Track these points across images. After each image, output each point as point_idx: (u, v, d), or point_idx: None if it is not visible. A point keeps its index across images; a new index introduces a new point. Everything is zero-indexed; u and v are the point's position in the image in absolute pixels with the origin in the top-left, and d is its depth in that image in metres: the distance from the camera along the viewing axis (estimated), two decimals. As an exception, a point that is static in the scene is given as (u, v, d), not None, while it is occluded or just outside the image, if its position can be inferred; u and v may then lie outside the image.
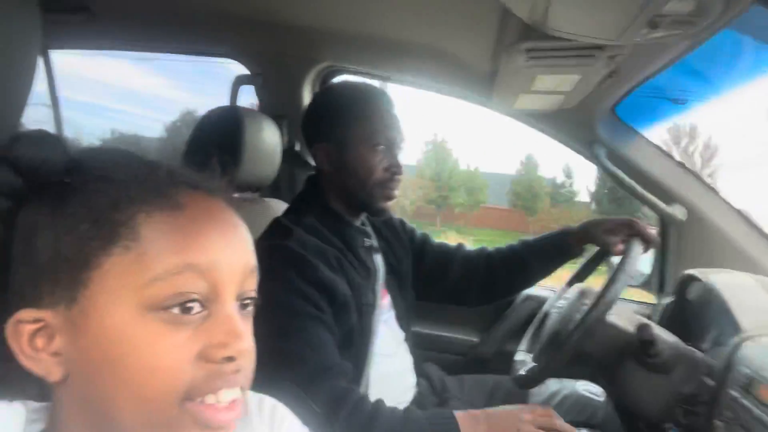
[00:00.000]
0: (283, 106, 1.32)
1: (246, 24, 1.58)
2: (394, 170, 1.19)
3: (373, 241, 1.28)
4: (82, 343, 0.41)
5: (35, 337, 0.42)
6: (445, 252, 1.47)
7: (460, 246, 1.50)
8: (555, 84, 1.21)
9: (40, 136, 0.44)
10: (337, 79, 1.78)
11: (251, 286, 0.48)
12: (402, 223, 1.45)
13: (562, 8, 0.84)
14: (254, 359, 0.47)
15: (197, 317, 0.43)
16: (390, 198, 1.21)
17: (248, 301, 0.48)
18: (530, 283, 1.48)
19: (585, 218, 1.42)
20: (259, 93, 1.76)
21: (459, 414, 1.03)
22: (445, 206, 28.67)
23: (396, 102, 1.23)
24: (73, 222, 0.41)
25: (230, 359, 0.43)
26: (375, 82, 1.71)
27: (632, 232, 1.25)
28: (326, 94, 1.27)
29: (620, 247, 1.27)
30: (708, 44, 1.02)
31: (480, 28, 1.27)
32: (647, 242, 1.24)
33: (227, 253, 0.45)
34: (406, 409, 1.05)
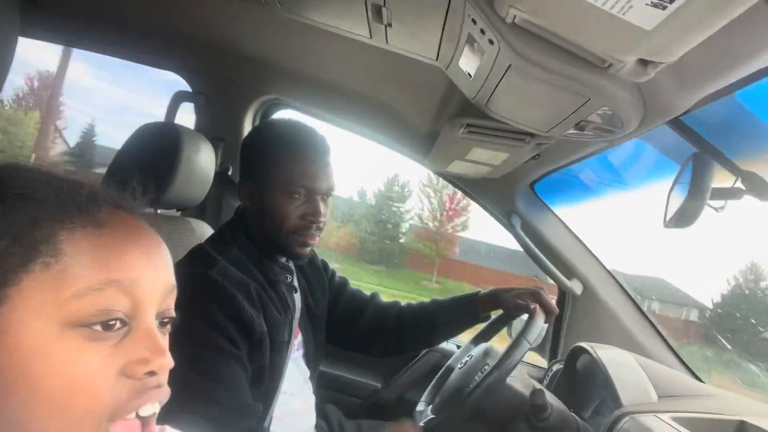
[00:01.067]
0: (222, 129, 1.30)
1: (197, 43, 1.57)
2: (310, 219, 1.16)
3: (294, 279, 1.28)
4: None
5: None
6: (359, 300, 1.47)
7: (374, 296, 1.52)
8: (486, 157, 1.31)
9: None
10: (279, 114, 1.79)
11: (171, 305, 0.49)
12: (324, 264, 1.45)
13: (503, 98, 0.93)
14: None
15: (118, 334, 0.43)
16: (306, 245, 1.18)
17: (167, 320, 0.49)
18: (436, 342, 1.52)
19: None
20: (198, 111, 1.74)
21: None
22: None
23: (329, 147, 1.21)
24: None
25: (152, 374, 0.43)
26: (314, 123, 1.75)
27: (537, 301, 1.34)
28: (255, 133, 1.24)
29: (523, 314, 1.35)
30: (625, 145, 1.16)
31: (426, 94, 1.35)
32: (549, 313, 1.33)
33: (149, 271, 0.45)
34: None
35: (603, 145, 1.13)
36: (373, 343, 1.46)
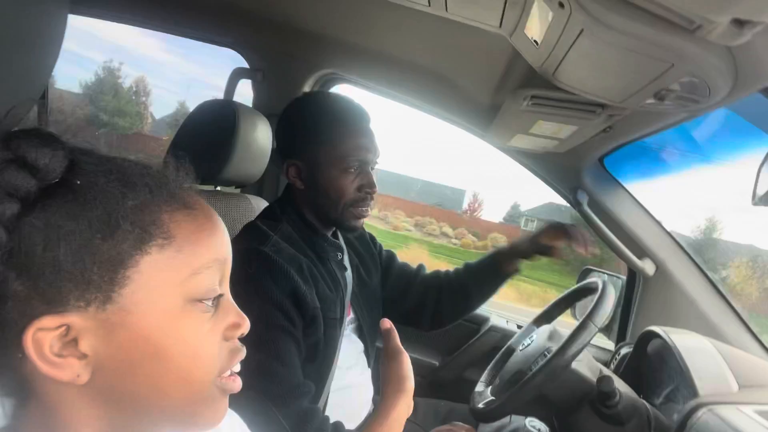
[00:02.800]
0: (280, 105, 1.30)
1: (255, 19, 1.56)
2: (366, 190, 1.17)
3: (345, 255, 1.27)
4: (119, 340, 0.42)
5: (58, 343, 0.41)
6: (407, 274, 1.47)
7: (420, 268, 1.51)
8: (552, 130, 1.24)
9: (42, 133, 0.42)
10: (336, 89, 1.77)
11: None
12: (372, 238, 1.46)
13: (574, 66, 0.86)
14: None
15: (215, 304, 0.48)
16: (362, 216, 1.19)
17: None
18: (474, 307, 1.50)
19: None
20: (256, 88, 1.74)
21: None
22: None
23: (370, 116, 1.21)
24: (99, 224, 0.41)
25: (241, 335, 0.50)
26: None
27: (562, 236, 1.32)
28: (299, 111, 1.22)
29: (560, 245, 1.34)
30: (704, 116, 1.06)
31: (488, 64, 1.29)
32: (579, 244, 1.31)
33: (227, 246, 0.50)
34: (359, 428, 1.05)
35: (684, 116, 1.04)
36: (421, 316, 1.47)
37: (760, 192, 0.86)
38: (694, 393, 1.05)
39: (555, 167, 1.63)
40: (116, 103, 20.42)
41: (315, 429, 0.98)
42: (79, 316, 0.41)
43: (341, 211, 1.17)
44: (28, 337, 0.40)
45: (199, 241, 0.46)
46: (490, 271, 1.43)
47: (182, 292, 0.45)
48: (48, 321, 0.40)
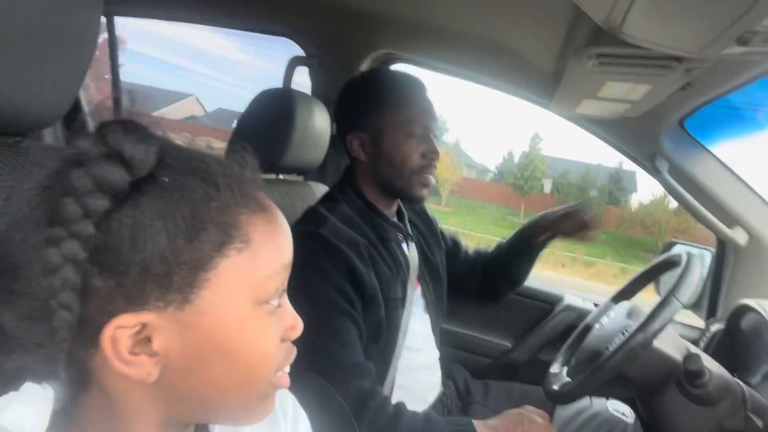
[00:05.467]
0: (336, 90, 1.30)
1: (307, 5, 1.57)
2: (431, 156, 1.18)
3: (407, 234, 1.28)
4: (192, 340, 0.43)
5: (132, 340, 0.42)
6: (470, 261, 1.50)
7: (478, 254, 1.53)
8: (623, 92, 1.15)
9: (137, 127, 0.42)
10: (395, 68, 1.75)
11: None
12: (434, 220, 1.45)
13: (643, 15, 0.78)
14: None
15: (278, 305, 0.49)
16: (427, 184, 1.20)
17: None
18: (518, 284, 1.50)
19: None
20: (313, 75, 1.76)
21: (477, 423, 1.05)
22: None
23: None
24: (185, 224, 0.41)
25: (297, 336, 0.51)
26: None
27: (582, 217, 1.33)
28: (359, 83, 1.25)
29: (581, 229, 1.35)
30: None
31: (548, 27, 1.22)
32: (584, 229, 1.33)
33: (292, 249, 0.50)
34: (427, 414, 1.06)
35: (773, 63, 0.93)
36: (479, 297, 1.50)
37: None
38: (796, 370, 0.96)
39: (630, 134, 1.53)
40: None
41: (375, 409, 0.98)
42: (156, 315, 0.42)
43: (407, 178, 1.18)
44: (107, 335, 0.41)
45: (272, 245, 0.46)
46: (524, 246, 1.43)
47: (254, 296, 0.45)
48: (127, 319, 0.41)
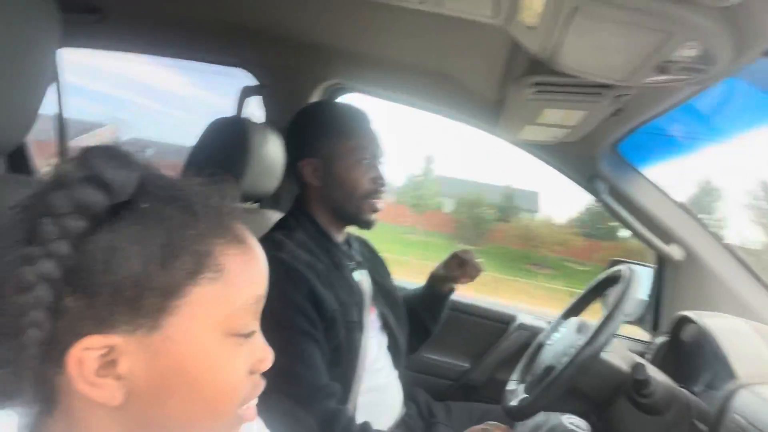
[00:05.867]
0: (289, 119, 1.33)
1: (258, 36, 1.59)
2: (379, 182, 1.22)
3: (357, 260, 1.30)
4: (159, 366, 0.43)
5: (99, 363, 0.41)
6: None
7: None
8: (561, 118, 1.22)
9: (117, 152, 0.43)
10: (344, 98, 1.79)
11: None
12: (374, 248, 1.49)
13: (574, 47, 0.84)
14: None
15: (248, 338, 0.49)
16: (376, 210, 1.24)
17: None
18: (429, 336, 1.52)
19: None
20: (266, 104, 1.77)
21: None
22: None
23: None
24: (160, 251, 0.41)
25: (265, 368, 0.51)
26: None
27: (460, 263, 1.41)
28: (312, 111, 1.30)
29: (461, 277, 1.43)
30: (715, 88, 1.03)
31: (489, 59, 1.28)
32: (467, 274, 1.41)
33: (267, 282, 0.51)
34: None
35: (693, 89, 1.01)
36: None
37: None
38: (732, 375, 1.02)
39: (569, 157, 1.61)
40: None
41: (341, 429, 0.99)
42: (124, 338, 0.42)
43: (357, 203, 1.21)
44: (74, 355, 0.41)
45: (245, 277, 0.47)
46: (432, 296, 1.49)
47: (224, 326, 0.45)
48: (95, 341, 0.41)
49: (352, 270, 1.25)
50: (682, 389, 1.12)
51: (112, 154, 0.42)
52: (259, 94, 1.74)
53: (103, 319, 0.41)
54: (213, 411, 0.46)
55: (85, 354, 0.41)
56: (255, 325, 0.50)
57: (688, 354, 1.34)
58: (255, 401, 0.51)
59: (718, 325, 1.17)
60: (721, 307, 1.42)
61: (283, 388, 0.97)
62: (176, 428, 0.46)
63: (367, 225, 1.25)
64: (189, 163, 1.34)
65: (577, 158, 1.59)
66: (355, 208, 1.22)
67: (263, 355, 0.51)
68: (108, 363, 0.42)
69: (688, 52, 0.76)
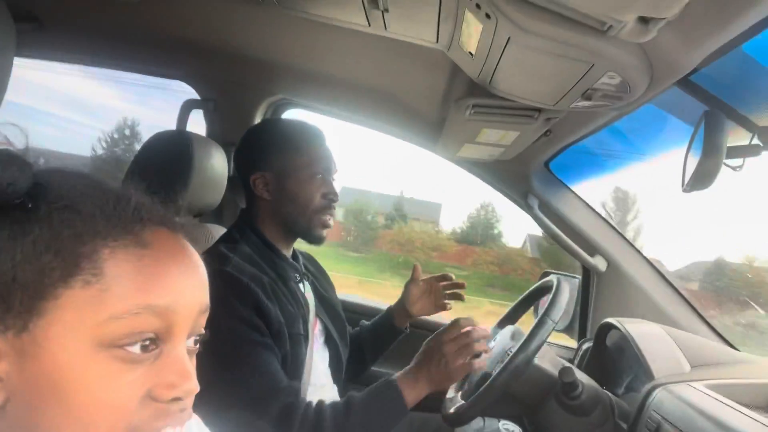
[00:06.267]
0: (233, 133, 1.32)
1: (202, 50, 1.59)
2: (331, 197, 1.24)
3: (303, 273, 1.31)
4: (30, 371, 0.40)
5: None
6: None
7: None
8: (496, 138, 1.30)
9: (7, 157, 0.42)
10: (287, 114, 1.80)
11: (203, 324, 0.49)
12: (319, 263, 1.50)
13: (507, 73, 0.92)
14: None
15: (149, 356, 0.43)
16: (327, 225, 1.25)
17: (197, 338, 0.49)
18: (369, 365, 1.55)
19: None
20: (208, 118, 1.76)
21: (399, 378, 1.11)
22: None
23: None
24: (33, 250, 0.40)
25: (177, 399, 0.43)
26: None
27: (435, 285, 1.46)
28: (265, 127, 1.32)
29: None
30: (635, 114, 1.13)
31: (431, 80, 1.35)
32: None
33: (186, 294, 0.45)
34: (347, 398, 1.08)
35: (614, 114, 1.11)
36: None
37: (687, 178, 0.93)
38: (650, 376, 1.10)
39: (505, 175, 1.70)
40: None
41: (299, 421, 1.00)
42: (3, 338, 0.40)
43: (309, 217, 1.22)
44: None
45: (133, 283, 0.42)
46: (385, 329, 1.51)
47: (98, 336, 0.40)
48: None
49: (298, 282, 1.26)
50: (605, 391, 1.20)
51: (7, 157, 0.42)
52: (202, 108, 1.73)
53: None
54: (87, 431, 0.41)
55: None
56: (168, 341, 0.44)
57: (612, 358, 1.43)
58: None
59: (638, 330, 1.26)
60: (641, 313, 1.53)
61: (235, 400, 0.98)
62: None
63: (317, 240, 1.27)
64: (128, 176, 1.31)
65: (511, 175, 1.68)
66: (307, 222, 1.22)
67: (171, 380, 0.43)
68: None
69: (609, 80, 0.84)
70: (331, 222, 1.26)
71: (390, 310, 1.52)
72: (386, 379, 1.12)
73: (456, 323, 1.17)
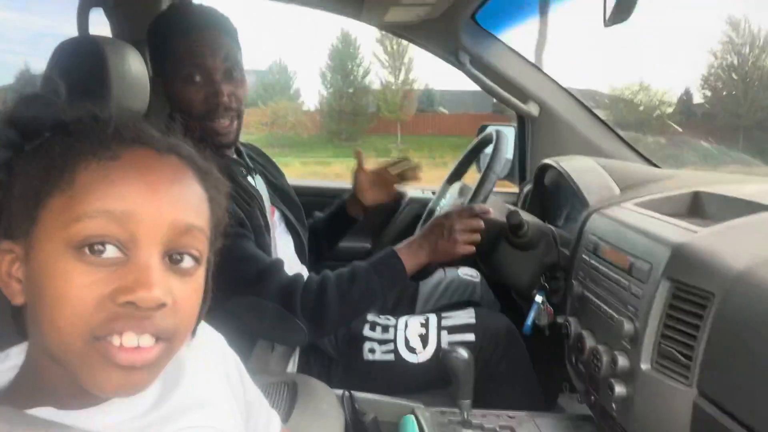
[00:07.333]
0: (141, 30, 1.21)
1: None
2: (213, 101, 1.12)
3: (249, 166, 1.30)
4: (30, 275, 0.47)
5: (9, 264, 0.48)
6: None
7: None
8: (421, -4, 1.26)
9: (36, 98, 0.51)
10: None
11: (186, 244, 0.49)
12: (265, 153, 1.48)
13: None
14: (183, 313, 0.49)
15: (112, 261, 0.45)
16: (223, 132, 1.16)
17: (179, 257, 0.49)
18: (326, 255, 1.55)
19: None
20: (110, 16, 1.60)
21: (400, 249, 1.16)
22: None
23: (229, 26, 1.16)
24: (35, 167, 0.48)
25: (130, 304, 0.44)
26: None
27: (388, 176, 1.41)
28: (151, 27, 1.20)
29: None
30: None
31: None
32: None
33: (151, 206, 0.46)
34: (351, 268, 1.13)
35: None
36: None
37: (608, 13, 0.96)
38: (585, 205, 1.20)
39: (434, 35, 1.68)
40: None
41: (301, 290, 1.06)
42: (17, 244, 0.48)
43: (198, 127, 1.12)
44: None
45: (97, 188, 0.45)
46: (338, 219, 1.51)
47: (64, 238, 0.45)
48: (4, 244, 0.48)
49: (245, 176, 1.26)
50: (548, 225, 1.32)
51: (31, 99, 0.51)
52: (100, 5, 1.56)
53: (9, 226, 0.48)
54: (56, 327, 0.45)
55: None
56: (119, 245, 0.46)
57: (551, 195, 1.55)
58: (133, 342, 0.45)
59: (572, 166, 1.35)
60: (573, 150, 1.64)
61: (240, 285, 1.02)
62: (48, 342, 0.47)
63: (222, 147, 1.19)
64: (42, 92, 1.22)
65: (441, 35, 1.66)
66: (199, 132, 1.11)
67: (129, 285, 0.44)
68: (16, 266, 0.49)
69: None
70: (227, 126, 1.16)
71: (342, 200, 1.50)
72: (389, 248, 1.16)
73: (471, 207, 1.20)
